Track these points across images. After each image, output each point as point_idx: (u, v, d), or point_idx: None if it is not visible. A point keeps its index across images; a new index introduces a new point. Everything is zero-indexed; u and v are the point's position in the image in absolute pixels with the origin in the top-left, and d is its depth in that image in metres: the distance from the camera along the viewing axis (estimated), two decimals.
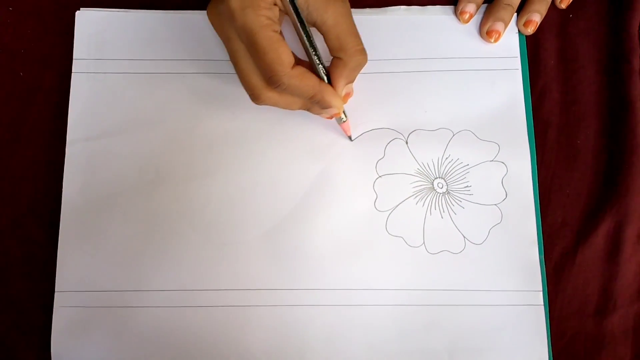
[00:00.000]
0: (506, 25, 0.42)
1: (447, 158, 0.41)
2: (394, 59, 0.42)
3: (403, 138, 0.41)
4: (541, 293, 0.39)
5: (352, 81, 0.38)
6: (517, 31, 0.43)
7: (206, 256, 0.40)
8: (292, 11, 0.34)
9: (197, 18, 0.43)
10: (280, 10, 0.34)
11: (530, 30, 0.42)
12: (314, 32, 0.36)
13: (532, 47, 0.43)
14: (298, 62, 0.36)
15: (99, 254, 0.40)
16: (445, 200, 0.41)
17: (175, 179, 0.41)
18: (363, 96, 0.42)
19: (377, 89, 0.42)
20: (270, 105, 0.37)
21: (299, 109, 0.38)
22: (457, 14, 0.43)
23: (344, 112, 0.39)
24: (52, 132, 0.42)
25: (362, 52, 0.36)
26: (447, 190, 0.41)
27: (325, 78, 0.37)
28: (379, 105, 0.42)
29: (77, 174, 0.41)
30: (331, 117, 0.39)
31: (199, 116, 0.42)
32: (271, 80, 0.34)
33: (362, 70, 0.42)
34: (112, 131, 0.41)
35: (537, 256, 0.40)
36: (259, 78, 0.35)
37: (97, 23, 0.43)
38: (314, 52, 0.36)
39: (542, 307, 0.39)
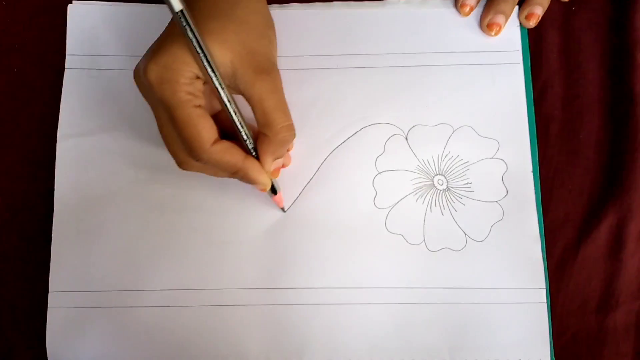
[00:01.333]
0: (507, 18, 0.41)
1: (447, 155, 0.41)
2: (393, 52, 0.42)
3: (403, 134, 0.41)
4: (544, 290, 0.39)
5: (280, 156, 0.36)
6: (518, 24, 0.42)
7: (203, 255, 0.39)
8: (215, 87, 0.32)
9: None
10: (204, 83, 0.33)
11: (532, 23, 0.42)
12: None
13: (534, 40, 0.42)
14: (229, 131, 0.34)
15: (93, 253, 0.39)
16: (446, 197, 0.40)
17: (170, 176, 0.40)
18: (362, 91, 0.41)
19: (376, 84, 0.41)
20: (196, 171, 0.36)
21: (228, 177, 0.36)
22: (458, 6, 0.42)
23: (274, 186, 0.37)
24: (46, 129, 0.41)
25: (289, 128, 0.34)
26: (447, 187, 0.40)
27: (253, 152, 0.35)
28: (378, 100, 0.41)
29: (70, 171, 0.40)
30: (264, 190, 0.37)
31: None
32: (192, 155, 0.33)
33: (361, 65, 0.41)
34: (105, 127, 0.41)
35: (539, 253, 0.39)
36: (182, 148, 0.34)
37: (90, 17, 0.42)
38: (240, 126, 0.34)
39: (545, 304, 0.39)
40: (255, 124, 0.34)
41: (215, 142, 0.33)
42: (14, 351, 0.39)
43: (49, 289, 0.39)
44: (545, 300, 0.39)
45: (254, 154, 0.35)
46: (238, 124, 0.34)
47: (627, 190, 0.40)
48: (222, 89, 0.32)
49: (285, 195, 0.40)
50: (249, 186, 0.38)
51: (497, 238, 0.39)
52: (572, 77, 0.42)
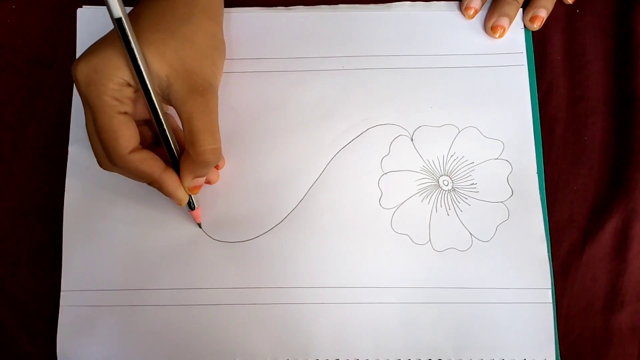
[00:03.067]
0: (511, 21, 0.42)
1: (452, 155, 0.41)
2: (398, 55, 0.42)
3: (408, 134, 0.41)
4: (549, 290, 0.39)
5: (201, 176, 0.36)
6: (523, 27, 0.42)
7: (211, 254, 0.40)
8: (146, 98, 0.32)
9: None
10: (134, 91, 0.33)
11: (536, 25, 0.42)
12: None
13: (539, 42, 0.43)
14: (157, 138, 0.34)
15: (104, 253, 0.40)
16: (451, 197, 0.40)
17: None
18: (367, 92, 0.41)
19: (382, 85, 0.42)
20: (115, 172, 0.35)
21: (147, 183, 0.36)
22: (462, 9, 0.42)
23: (191, 201, 0.37)
24: (56, 131, 0.42)
25: (214, 152, 0.34)
26: (452, 187, 0.41)
27: (174, 166, 0.35)
28: (383, 101, 0.41)
29: (80, 173, 0.41)
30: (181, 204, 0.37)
31: None
32: (110, 159, 0.33)
33: (367, 67, 0.42)
34: None
35: (544, 253, 0.39)
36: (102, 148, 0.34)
37: (100, 21, 0.42)
38: (166, 136, 0.34)
39: (550, 304, 0.39)
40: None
41: (133, 150, 0.33)
42: (24, 350, 0.40)
43: (61, 288, 0.39)
44: (551, 301, 0.39)
45: (174, 168, 0.35)
46: (165, 134, 0.34)
47: (632, 191, 0.40)
48: (151, 98, 0.33)
49: (292, 195, 0.40)
50: (253, 185, 0.38)
51: (502, 238, 0.40)
52: (576, 79, 0.42)
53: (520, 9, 0.42)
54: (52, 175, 0.41)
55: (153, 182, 0.35)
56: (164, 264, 0.40)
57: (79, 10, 0.43)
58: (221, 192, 0.40)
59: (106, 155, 0.33)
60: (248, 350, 0.39)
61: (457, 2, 0.43)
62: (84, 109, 0.34)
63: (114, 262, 0.40)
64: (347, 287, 0.39)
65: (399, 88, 0.42)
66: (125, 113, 0.33)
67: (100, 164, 0.35)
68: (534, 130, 0.41)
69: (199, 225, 0.40)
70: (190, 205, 0.38)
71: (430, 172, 0.41)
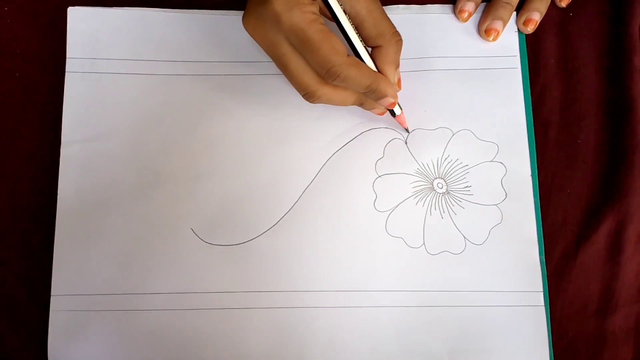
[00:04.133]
0: (505, 24, 0.42)
1: (446, 158, 0.41)
2: None
3: (402, 138, 0.41)
4: (542, 293, 0.39)
5: (398, 66, 0.37)
6: (516, 30, 0.43)
7: (204, 258, 0.39)
8: (331, 3, 0.34)
9: (195, 17, 0.42)
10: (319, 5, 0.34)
11: (530, 29, 0.42)
12: None
13: (532, 45, 0.43)
14: None
15: (96, 257, 0.39)
16: (445, 200, 0.40)
17: (173, 180, 0.40)
18: None
19: None
20: (325, 102, 0.36)
21: (353, 104, 0.38)
22: (456, 12, 0.42)
23: (398, 103, 0.38)
24: (49, 133, 0.41)
25: (398, 34, 0.36)
26: (447, 190, 0.41)
27: (374, 67, 0.36)
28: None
29: (73, 176, 0.40)
30: (383, 113, 0.39)
31: (197, 117, 0.41)
32: (329, 73, 0.34)
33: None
34: (108, 132, 0.41)
35: (537, 256, 0.39)
36: (312, 76, 0.35)
37: (91, 21, 0.42)
38: (360, 41, 0.35)
39: (543, 307, 0.39)
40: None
41: (348, 56, 0.34)
42: (15, 355, 0.39)
43: (51, 293, 0.39)
44: (543, 304, 0.39)
45: (375, 69, 0.36)
46: (357, 38, 0.35)
47: (626, 194, 0.40)
48: (339, 4, 0.34)
49: (286, 198, 0.40)
50: (248, 188, 0.38)
51: (496, 241, 0.40)
52: (570, 82, 0.42)
53: (514, 12, 0.42)
54: (44, 178, 0.41)
55: (370, 85, 0.35)
56: (156, 268, 0.39)
57: (69, 9, 0.42)
58: (214, 194, 0.40)
59: (325, 73, 0.34)
60: (242, 354, 0.38)
61: (451, 5, 0.43)
62: (279, 51, 0.34)
63: (106, 265, 0.39)
64: (342, 291, 0.39)
65: None
66: (325, 25, 0.33)
67: (312, 94, 0.36)
68: (527, 133, 0.41)
69: (407, 130, 0.41)
70: (396, 110, 0.39)
71: (425, 175, 0.41)
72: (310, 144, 0.41)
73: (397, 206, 0.40)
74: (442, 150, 0.41)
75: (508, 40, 0.42)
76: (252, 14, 0.34)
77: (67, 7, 0.42)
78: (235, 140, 0.41)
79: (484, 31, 0.42)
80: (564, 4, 0.43)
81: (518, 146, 0.41)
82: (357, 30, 0.35)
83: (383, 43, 0.36)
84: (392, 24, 0.36)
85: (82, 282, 0.39)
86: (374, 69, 0.36)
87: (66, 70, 0.42)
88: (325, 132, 0.41)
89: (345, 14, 0.35)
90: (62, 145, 0.41)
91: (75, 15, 0.42)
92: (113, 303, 0.39)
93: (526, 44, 0.42)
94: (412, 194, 0.40)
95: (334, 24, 0.35)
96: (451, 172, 0.41)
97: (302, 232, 0.40)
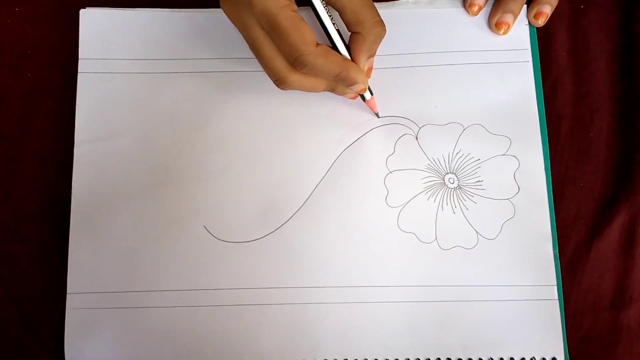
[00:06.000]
0: (515, 17, 0.42)
1: (457, 153, 0.41)
2: (402, 53, 0.42)
3: (413, 133, 0.41)
4: (555, 287, 0.39)
5: (372, 55, 0.37)
6: (527, 23, 0.42)
7: (217, 255, 0.40)
8: None
9: (205, 16, 0.42)
10: None
11: (540, 22, 0.42)
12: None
13: (543, 39, 0.42)
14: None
15: (110, 254, 0.40)
16: (457, 195, 0.40)
17: (185, 178, 0.41)
18: (372, 91, 0.41)
19: (386, 84, 0.41)
20: (296, 89, 0.36)
21: (324, 90, 0.37)
22: (466, 6, 0.42)
23: (369, 88, 0.38)
24: (61, 133, 0.42)
25: (380, 24, 0.35)
26: (458, 185, 0.40)
27: (347, 54, 0.36)
28: (387, 100, 0.41)
29: (86, 175, 0.41)
30: (355, 97, 0.38)
31: (208, 115, 0.41)
32: (297, 61, 0.33)
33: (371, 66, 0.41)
34: (120, 131, 0.41)
35: (551, 250, 0.39)
36: (282, 62, 0.34)
37: (102, 22, 0.43)
38: (334, 28, 0.35)
39: (557, 301, 0.39)
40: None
41: (317, 45, 0.34)
42: (32, 353, 0.40)
43: (67, 291, 0.39)
44: (557, 297, 0.39)
45: (348, 56, 0.36)
46: (331, 24, 0.35)
47: (639, 187, 0.40)
48: None
49: (298, 195, 0.40)
50: (259, 185, 0.38)
51: (508, 236, 0.39)
52: (581, 75, 0.42)
53: (525, 5, 0.42)
54: (58, 178, 0.41)
55: (339, 73, 0.35)
56: (170, 265, 0.40)
57: (81, 12, 0.43)
58: (226, 191, 0.40)
59: (293, 60, 0.33)
60: (255, 351, 0.39)
61: None
62: (252, 34, 0.34)
63: (120, 263, 0.40)
64: (354, 287, 0.39)
65: (403, 86, 0.41)
66: (297, 12, 0.33)
67: (283, 81, 0.35)
68: (540, 127, 0.41)
69: (377, 115, 0.41)
70: (366, 95, 0.38)
71: (436, 170, 0.41)
72: (321, 140, 0.41)
73: (408, 202, 0.40)
74: (453, 145, 0.41)
75: (519, 34, 0.42)
76: None
77: (79, 7, 0.42)
78: (247, 137, 0.41)
79: (495, 25, 0.42)
80: None
81: (530, 140, 0.41)
82: (340, 14, 0.35)
83: (361, 31, 0.35)
84: (375, 12, 0.35)
85: (97, 279, 0.40)
86: (347, 55, 0.36)
87: (79, 71, 0.42)
88: (336, 128, 0.41)
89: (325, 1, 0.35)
90: (75, 144, 0.41)
91: (87, 17, 0.43)
92: (127, 300, 0.39)
93: (537, 37, 0.42)
94: (423, 190, 0.40)
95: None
96: (463, 167, 0.41)
97: (313, 229, 0.40)
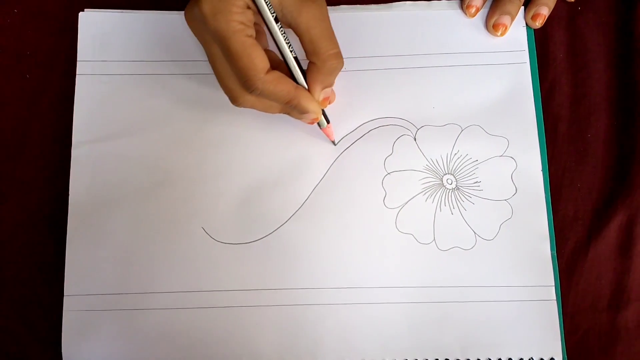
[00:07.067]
0: (513, 19, 0.42)
1: (455, 154, 0.41)
2: (400, 54, 0.42)
3: (411, 134, 0.41)
4: (553, 288, 0.39)
5: (329, 86, 0.37)
6: (525, 25, 0.42)
7: (216, 257, 0.40)
8: (265, 14, 0.33)
9: None
10: (254, 12, 0.34)
11: (538, 23, 0.42)
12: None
13: (541, 40, 0.43)
14: (278, 65, 0.35)
15: (107, 256, 0.40)
16: (455, 196, 0.40)
17: (183, 179, 0.41)
18: (370, 93, 0.41)
19: (384, 85, 0.42)
20: (249, 107, 0.36)
21: (279, 112, 0.37)
22: (464, 8, 0.42)
23: (325, 116, 0.38)
24: (58, 135, 0.42)
25: (337, 56, 0.35)
26: (456, 186, 0.41)
27: (303, 82, 0.36)
28: (385, 101, 0.41)
29: (84, 177, 0.41)
30: (312, 123, 0.38)
31: (206, 117, 0.41)
32: (246, 85, 0.34)
33: (368, 68, 0.42)
34: (118, 133, 0.41)
35: (548, 251, 0.39)
36: (235, 81, 0.35)
37: (101, 24, 0.43)
38: (292, 54, 0.35)
39: (555, 302, 0.39)
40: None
41: (268, 71, 0.34)
42: (30, 355, 0.40)
43: (64, 293, 0.39)
44: (555, 298, 0.39)
45: (304, 84, 0.36)
46: (287, 51, 0.35)
47: (636, 188, 0.40)
48: (271, 14, 0.33)
49: (296, 196, 0.40)
50: (258, 187, 0.38)
51: (506, 236, 0.40)
52: (579, 76, 0.42)
53: (522, 7, 0.42)
54: (56, 179, 0.41)
55: (290, 100, 0.35)
56: (168, 267, 0.40)
57: (80, 14, 0.43)
58: (225, 193, 0.40)
59: (243, 84, 0.34)
60: (254, 353, 0.39)
61: (458, 0, 0.43)
62: (209, 49, 0.34)
63: (117, 265, 0.40)
64: (353, 288, 0.39)
65: (401, 88, 0.42)
66: (252, 37, 0.33)
67: (235, 99, 0.36)
68: (537, 129, 0.41)
69: (333, 142, 0.40)
70: (323, 122, 0.38)
71: (434, 171, 0.41)
72: (319, 141, 0.41)
73: (406, 203, 0.40)
74: (451, 146, 0.41)
75: (516, 35, 0.42)
76: (189, 9, 0.34)
77: (77, 9, 0.43)
78: (245, 138, 0.41)
79: (492, 26, 0.42)
80: None
81: (528, 141, 0.41)
82: (300, 40, 0.35)
83: (316, 62, 0.35)
84: (333, 44, 0.35)
85: (95, 281, 0.40)
86: (303, 82, 0.36)
87: (77, 73, 0.42)
88: (334, 130, 0.41)
89: (285, 24, 0.34)
90: (73, 146, 0.41)
91: (85, 19, 0.43)
92: (125, 302, 0.39)
93: (535, 38, 0.42)
94: (421, 191, 0.40)
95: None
96: (460, 167, 0.41)
97: (312, 230, 0.40)
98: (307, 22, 0.34)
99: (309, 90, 0.36)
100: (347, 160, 0.41)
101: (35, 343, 0.40)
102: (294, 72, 0.36)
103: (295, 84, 0.35)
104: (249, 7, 0.33)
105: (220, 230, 0.40)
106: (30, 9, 0.44)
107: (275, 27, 0.34)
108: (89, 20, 0.43)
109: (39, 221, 0.41)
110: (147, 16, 0.43)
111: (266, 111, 0.37)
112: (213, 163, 0.41)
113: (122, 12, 0.43)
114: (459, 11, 0.43)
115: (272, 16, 0.34)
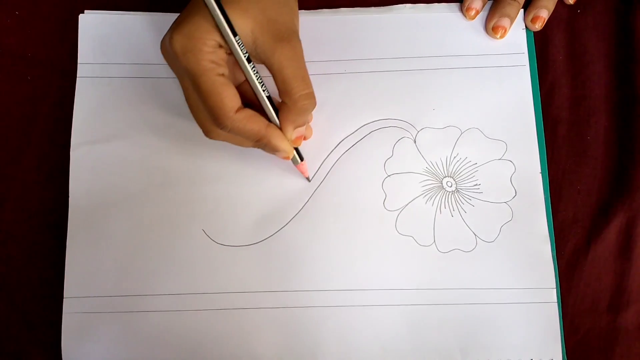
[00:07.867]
0: (512, 21, 0.42)
1: (455, 157, 0.41)
2: (400, 57, 0.42)
3: (411, 137, 0.41)
4: (554, 290, 0.39)
5: (301, 125, 0.36)
6: (524, 27, 0.43)
7: (216, 259, 0.40)
8: (237, 54, 0.33)
9: None
10: (227, 52, 0.34)
11: (537, 26, 0.42)
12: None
13: (540, 43, 0.43)
14: (253, 100, 0.35)
15: (107, 258, 0.40)
16: (455, 198, 0.40)
17: (183, 181, 0.41)
18: (370, 95, 0.41)
19: (384, 88, 0.42)
20: (222, 141, 0.36)
21: (252, 147, 0.37)
22: (463, 10, 0.42)
23: (299, 153, 0.38)
24: (59, 137, 0.42)
25: (308, 96, 0.35)
26: (456, 188, 0.41)
27: (276, 120, 0.36)
28: (385, 104, 0.41)
29: (84, 179, 0.41)
30: (287, 158, 0.38)
31: None
32: (216, 123, 0.34)
33: (369, 70, 0.42)
34: (118, 135, 0.41)
35: (549, 253, 0.39)
36: (207, 116, 0.35)
37: (102, 26, 0.43)
38: (264, 93, 0.35)
39: (555, 304, 0.39)
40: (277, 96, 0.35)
41: (238, 110, 0.34)
42: (30, 356, 0.40)
43: (64, 295, 0.39)
44: (555, 300, 0.39)
45: (277, 122, 0.36)
46: (260, 90, 0.35)
47: (636, 190, 0.40)
48: (243, 54, 0.33)
49: (296, 198, 0.40)
50: (258, 188, 0.38)
51: (506, 239, 0.40)
52: (578, 79, 0.42)
53: (522, 10, 0.42)
54: (56, 181, 0.41)
55: (260, 139, 0.35)
56: (168, 269, 0.40)
57: (81, 16, 0.43)
58: (225, 195, 0.40)
59: (213, 120, 0.34)
60: (254, 356, 0.39)
61: (458, 3, 0.43)
62: (182, 83, 0.35)
63: (117, 267, 0.40)
64: (353, 290, 0.39)
65: (401, 90, 0.42)
66: (223, 75, 0.33)
67: (207, 133, 0.36)
68: (537, 131, 0.41)
69: (307, 179, 0.40)
70: (296, 159, 0.38)
71: (434, 174, 0.41)
72: (319, 144, 0.41)
73: (406, 205, 0.40)
74: (450, 149, 0.41)
75: (516, 38, 0.42)
76: (163, 42, 0.34)
77: (78, 11, 0.43)
78: None
79: (492, 29, 0.42)
80: (571, 1, 0.43)
81: (527, 143, 0.41)
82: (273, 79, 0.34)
83: (288, 102, 0.34)
84: (305, 85, 0.34)
85: (94, 283, 0.40)
86: (275, 120, 0.36)
87: (77, 75, 0.42)
88: (334, 132, 0.41)
89: (259, 62, 0.34)
90: (72, 147, 0.41)
91: (86, 21, 0.43)
92: (125, 304, 0.39)
93: (534, 41, 0.42)
94: (421, 193, 0.41)
95: None
96: (460, 170, 0.41)
97: (312, 232, 0.40)
98: (280, 62, 0.33)
99: (281, 128, 0.36)
100: (347, 163, 0.41)
101: (35, 345, 0.40)
102: (267, 111, 0.35)
103: (267, 122, 0.35)
104: (220, 46, 0.33)
105: (220, 232, 0.40)
106: (30, 10, 0.44)
107: (248, 66, 0.34)
108: (89, 22, 0.43)
109: (39, 223, 0.41)
110: (148, 18, 0.43)
111: (239, 145, 0.37)
112: (213, 165, 0.41)
113: (122, 13, 0.43)
114: (459, 14, 0.43)
115: (245, 56, 0.33)
